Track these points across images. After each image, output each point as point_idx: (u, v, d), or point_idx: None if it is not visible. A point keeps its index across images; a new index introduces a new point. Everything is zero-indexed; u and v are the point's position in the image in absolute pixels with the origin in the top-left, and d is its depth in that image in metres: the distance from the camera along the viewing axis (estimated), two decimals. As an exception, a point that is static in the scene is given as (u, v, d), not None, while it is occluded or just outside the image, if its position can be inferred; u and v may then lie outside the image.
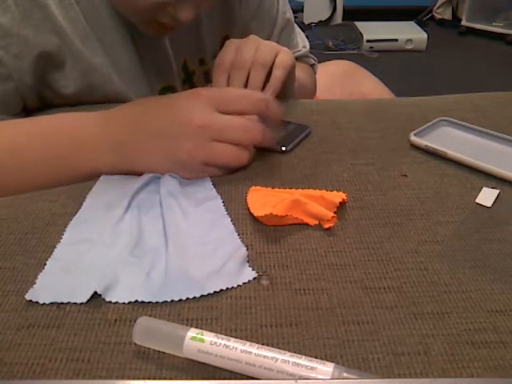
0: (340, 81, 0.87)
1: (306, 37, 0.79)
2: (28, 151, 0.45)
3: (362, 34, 2.63)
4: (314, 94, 0.78)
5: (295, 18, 0.78)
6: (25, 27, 0.49)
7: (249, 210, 0.41)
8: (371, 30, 2.66)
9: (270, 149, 0.50)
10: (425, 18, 2.95)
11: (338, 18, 2.95)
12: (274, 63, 0.52)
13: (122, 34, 0.56)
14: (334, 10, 2.93)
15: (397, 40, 2.61)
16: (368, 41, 2.60)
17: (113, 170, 0.45)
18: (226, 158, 0.44)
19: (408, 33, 2.67)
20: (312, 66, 0.78)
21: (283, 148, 0.50)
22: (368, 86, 0.86)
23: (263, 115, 0.46)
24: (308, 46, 0.77)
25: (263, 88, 0.52)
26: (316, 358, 0.28)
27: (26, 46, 0.50)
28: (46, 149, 0.45)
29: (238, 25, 0.68)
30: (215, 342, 0.28)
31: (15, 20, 0.49)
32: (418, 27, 2.76)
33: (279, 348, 0.28)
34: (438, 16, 2.97)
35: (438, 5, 2.96)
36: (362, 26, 2.72)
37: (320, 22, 2.89)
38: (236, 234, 0.38)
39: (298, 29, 0.77)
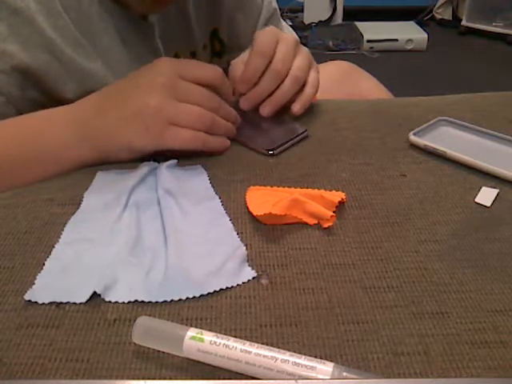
0: (338, 82, 0.87)
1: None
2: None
3: (362, 34, 2.63)
4: None
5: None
6: (11, 43, 0.48)
7: (248, 209, 0.41)
8: (371, 30, 2.66)
9: (257, 151, 0.50)
10: (425, 18, 2.95)
11: (339, 18, 2.95)
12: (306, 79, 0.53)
13: (113, 36, 0.55)
14: (335, 10, 2.93)
15: (397, 40, 2.61)
16: (368, 41, 2.60)
17: (75, 151, 0.45)
18: (191, 120, 0.45)
19: (408, 33, 2.67)
20: None
21: (270, 152, 0.49)
22: (366, 87, 0.86)
23: (217, 87, 0.48)
24: (297, 39, 0.77)
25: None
26: (316, 357, 0.28)
27: (11, 61, 0.49)
28: (19, 150, 0.46)
29: (225, 17, 0.68)
30: (215, 342, 0.28)
31: (1, 36, 0.48)
32: (419, 27, 2.75)
33: (279, 347, 0.28)
34: (438, 16, 2.97)
35: (438, 5, 2.96)
36: (362, 26, 2.72)
37: (320, 22, 2.89)
38: (235, 234, 0.38)
39: (285, 21, 0.77)
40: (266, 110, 0.53)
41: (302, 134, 0.52)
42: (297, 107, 0.54)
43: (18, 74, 0.50)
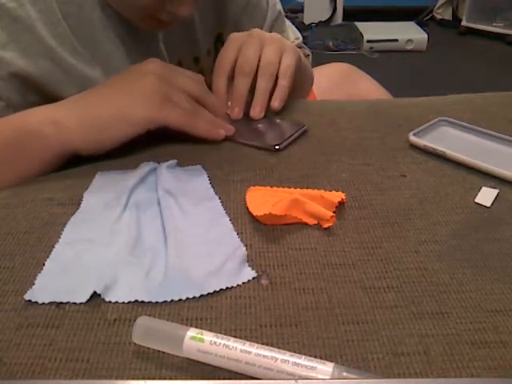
0: (338, 83, 0.87)
1: (306, 37, 0.79)
2: None
3: (362, 35, 2.63)
4: (312, 83, 0.78)
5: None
6: (11, 50, 0.48)
7: (248, 209, 0.41)
8: (371, 31, 2.66)
9: (262, 147, 0.50)
10: (425, 19, 2.95)
11: (339, 19, 2.95)
12: (279, 68, 0.53)
13: (116, 43, 0.55)
14: (335, 10, 2.93)
15: (397, 40, 2.61)
16: (368, 41, 2.60)
17: (66, 135, 0.45)
18: (184, 99, 0.47)
19: (408, 33, 2.67)
20: (307, 56, 0.78)
21: (276, 147, 0.50)
22: (365, 88, 0.86)
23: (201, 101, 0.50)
24: (301, 38, 0.77)
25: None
26: (316, 357, 0.28)
27: (9, 68, 0.49)
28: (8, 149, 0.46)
29: (230, 21, 0.68)
30: (215, 342, 0.28)
31: (1, 42, 0.48)
32: (419, 27, 2.76)
33: (279, 348, 0.28)
34: (438, 16, 2.97)
35: (438, 5, 2.96)
36: (362, 26, 2.72)
37: (320, 22, 2.89)
38: (235, 234, 0.38)
39: (287, 21, 0.77)
40: (256, 112, 0.54)
41: (301, 128, 0.53)
42: (275, 104, 0.54)
43: (17, 80, 0.50)
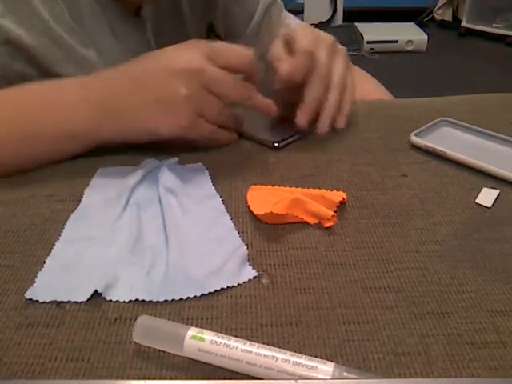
0: None
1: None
2: (1, 117, 0.44)
3: (362, 36, 2.63)
4: None
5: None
6: (8, 20, 0.48)
7: (249, 208, 0.41)
8: (371, 32, 2.67)
9: (262, 143, 0.50)
10: (425, 20, 2.96)
11: (339, 20, 2.95)
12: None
13: (104, 29, 0.55)
14: (335, 11, 2.93)
15: (397, 41, 2.61)
16: (368, 42, 2.61)
17: (96, 129, 0.44)
18: (215, 115, 0.45)
19: (408, 34, 2.67)
20: None
21: (275, 144, 0.50)
22: (366, 88, 0.86)
23: (248, 72, 0.46)
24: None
25: None
26: (316, 357, 0.28)
27: (6, 36, 0.48)
28: (24, 117, 0.44)
29: (220, 9, 0.67)
30: (215, 341, 0.28)
31: None
32: (419, 28, 2.76)
33: (279, 347, 0.28)
34: (438, 17, 2.97)
35: (438, 6, 2.96)
36: (362, 27, 2.72)
37: (320, 23, 2.89)
38: (236, 233, 0.38)
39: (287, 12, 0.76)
40: (322, 127, 0.50)
41: (307, 129, 0.52)
42: (341, 123, 0.51)
43: (13, 48, 0.49)
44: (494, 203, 0.42)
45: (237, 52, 0.46)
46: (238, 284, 0.34)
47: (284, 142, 0.50)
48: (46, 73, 0.52)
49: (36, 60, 0.51)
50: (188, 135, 0.45)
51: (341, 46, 0.54)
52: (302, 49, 0.49)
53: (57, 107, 0.45)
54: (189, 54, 0.44)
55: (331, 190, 0.43)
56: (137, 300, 0.33)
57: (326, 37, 0.53)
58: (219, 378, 0.28)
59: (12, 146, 0.44)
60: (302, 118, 0.49)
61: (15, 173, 0.45)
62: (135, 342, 0.30)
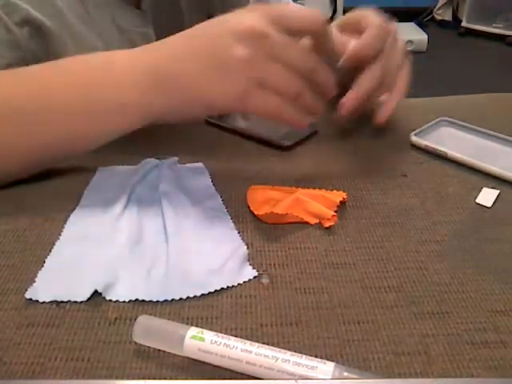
0: None
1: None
2: (50, 89, 0.42)
3: (362, 35, 2.63)
4: None
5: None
6: (26, 5, 0.48)
7: (249, 208, 0.41)
8: (371, 31, 2.66)
9: (270, 142, 0.50)
10: (425, 19, 2.96)
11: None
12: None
13: (107, 21, 0.55)
14: (335, 11, 2.93)
15: (397, 41, 2.61)
16: (368, 41, 2.60)
17: (145, 99, 0.40)
18: (279, 86, 0.38)
19: (408, 34, 2.67)
20: None
21: (284, 144, 0.50)
22: None
23: (319, 35, 0.41)
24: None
25: None
26: (316, 357, 0.28)
27: (27, 16, 0.48)
28: (78, 98, 0.41)
29: (218, 1, 0.67)
30: (215, 341, 0.28)
31: None
32: (419, 28, 2.76)
33: (280, 347, 0.28)
34: (438, 17, 2.97)
35: (438, 6, 2.97)
36: (362, 26, 2.72)
37: (320, 22, 2.89)
38: (236, 233, 0.38)
39: None
40: (382, 117, 0.47)
41: (313, 129, 0.53)
42: (381, 117, 0.48)
43: (31, 28, 0.49)
44: (494, 203, 0.42)
45: (305, 14, 0.40)
46: (238, 284, 0.34)
47: (292, 142, 0.50)
48: (56, 56, 0.49)
49: (50, 45, 0.51)
50: (245, 109, 0.40)
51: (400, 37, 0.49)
52: (374, 23, 0.45)
53: (106, 78, 0.42)
54: (252, 18, 0.38)
55: (331, 190, 0.43)
56: (137, 300, 0.33)
57: (399, 39, 0.49)
58: (219, 378, 0.28)
59: (42, 116, 0.41)
60: (349, 101, 0.45)
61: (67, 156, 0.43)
62: (135, 342, 0.30)
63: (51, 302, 0.33)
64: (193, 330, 0.29)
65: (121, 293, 0.33)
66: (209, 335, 0.28)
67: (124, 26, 0.58)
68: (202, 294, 0.33)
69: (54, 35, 0.51)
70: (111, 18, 0.56)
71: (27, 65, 0.45)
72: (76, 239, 0.38)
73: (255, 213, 0.40)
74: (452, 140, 0.51)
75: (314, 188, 0.43)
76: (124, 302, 0.33)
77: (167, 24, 0.63)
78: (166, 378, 0.28)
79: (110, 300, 0.33)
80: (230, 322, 0.32)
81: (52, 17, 0.50)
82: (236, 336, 0.29)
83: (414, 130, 0.51)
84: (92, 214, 0.40)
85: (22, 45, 0.50)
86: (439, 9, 2.96)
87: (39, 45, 0.51)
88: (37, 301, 0.33)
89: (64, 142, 0.43)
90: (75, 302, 0.33)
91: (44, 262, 0.36)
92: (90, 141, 0.43)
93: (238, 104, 0.39)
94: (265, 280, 0.35)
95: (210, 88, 0.39)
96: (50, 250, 0.37)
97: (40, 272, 0.35)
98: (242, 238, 0.38)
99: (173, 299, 0.33)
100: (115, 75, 0.41)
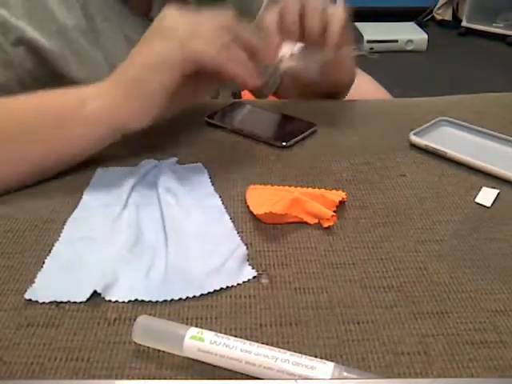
0: None
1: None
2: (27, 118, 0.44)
3: (362, 35, 2.63)
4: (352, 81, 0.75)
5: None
6: (25, 23, 0.49)
7: (248, 208, 0.41)
8: (371, 31, 2.66)
9: (269, 142, 0.50)
10: (425, 19, 2.95)
11: (338, 19, 2.94)
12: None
13: (116, 33, 0.56)
14: (334, 10, 2.92)
15: (397, 41, 2.61)
16: (368, 41, 2.60)
17: (113, 109, 0.43)
18: (212, 33, 0.43)
19: (408, 34, 2.67)
20: None
21: (284, 143, 0.50)
22: (366, 89, 0.86)
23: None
24: None
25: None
26: (316, 357, 0.28)
27: (21, 35, 0.49)
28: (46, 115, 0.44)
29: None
30: (215, 341, 0.28)
31: (15, 13, 0.49)
32: (419, 28, 2.76)
33: (279, 347, 0.28)
34: (438, 17, 2.97)
35: (438, 6, 2.96)
36: (362, 26, 2.72)
37: (320, 22, 2.88)
38: (235, 233, 0.38)
39: None
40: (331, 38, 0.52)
41: (312, 128, 0.53)
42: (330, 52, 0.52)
43: (25, 47, 0.50)
44: (493, 203, 0.42)
45: (217, 15, 0.45)
46: (238, 284, 0.34)
47: (292, 141, 0.51)
48: (56, 74, 0.52)
49: (48, 62, 0.52)
50: (190, 50, 0.43)
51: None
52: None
53: (70, 96, 0.45)
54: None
55: (331, 190, 0.43)
56: (136, 300, 0.33)
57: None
58: (219, 378, 0.28)
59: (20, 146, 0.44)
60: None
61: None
62: (135, 342, 0.30)
63: (51, 303, 0.33)
64: (192, 331, 0.29)
65: (120, 293, 0.33)
66: (208, 335, 0.28)
67: (134, 36, 0.57)
68: (202, 294, 0.33)
69: (54, 54, 0.51)
70: (120, 29, 0.56)
71: (23, 84, 0.49)
72: (75, 240, 0.38)
73: (254, 213, 0.40)
74: (452, 140, 0.51)
75: (313, 188, 0.43)
76: (123, 302, 0.33)
77: None
78: (165, 378, 0.28)
79: (110, 300, 0.33)
80: (230, 322, 0.32)
81: (53, 35, 0.51)
82: (235, 336, 0.29)
83: (413, 130, 0.51)
84: (91, 215, 0.40)
85: (16, 64, 0.51)
86: (439, 8, 2.95)
87: (35, 64, 0.51)
88: (36, 301, 0.33)
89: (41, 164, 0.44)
90: (75, 302, 0.33)
91: (43, 262, 0.36)
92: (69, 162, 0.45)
93: (182, 49, 0.42)
94: (264, 280, 0.35)
95: (155, 45, 0.45)
96: (50, 251, 0.37)
97: (39, 272, 0.35)
98: (242, 238, 0.38)
99: (172, 299, 0.33)
100: (79, 93, 0.44)
